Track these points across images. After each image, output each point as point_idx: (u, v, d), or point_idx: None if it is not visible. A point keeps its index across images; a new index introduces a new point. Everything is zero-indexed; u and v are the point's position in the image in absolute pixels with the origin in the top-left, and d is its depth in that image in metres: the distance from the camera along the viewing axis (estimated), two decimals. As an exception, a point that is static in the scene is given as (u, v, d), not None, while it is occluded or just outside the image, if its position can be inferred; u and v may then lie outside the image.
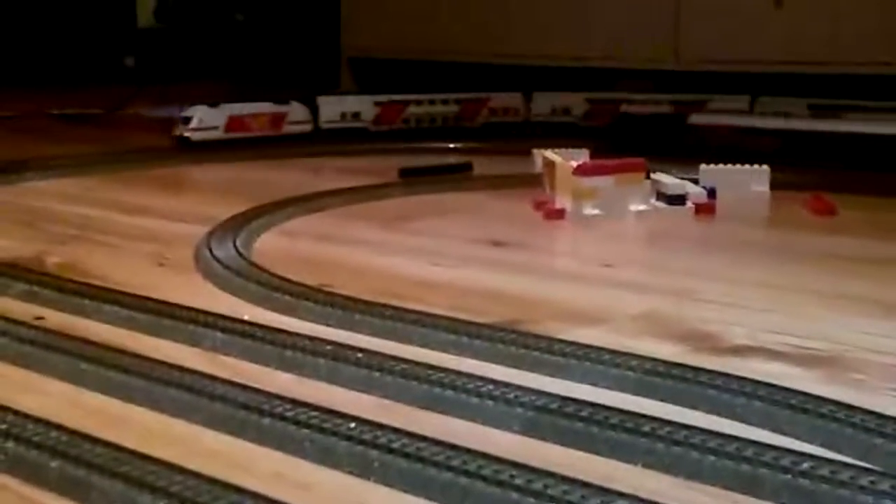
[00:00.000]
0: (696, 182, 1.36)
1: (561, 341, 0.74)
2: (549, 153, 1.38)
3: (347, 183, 1.46)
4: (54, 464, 0.54)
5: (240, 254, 1.01)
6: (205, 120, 1.79)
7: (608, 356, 0.70)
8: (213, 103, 1.82)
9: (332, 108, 1.92)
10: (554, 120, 2.04)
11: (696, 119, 1.81)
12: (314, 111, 1.90)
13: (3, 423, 0.58)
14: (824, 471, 0.52)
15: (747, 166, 1.41)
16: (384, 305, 0.83)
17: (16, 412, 0.60)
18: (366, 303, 0.84)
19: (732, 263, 1.08)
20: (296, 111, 1.89)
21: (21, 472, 0.55)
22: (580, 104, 2.04)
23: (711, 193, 1.33)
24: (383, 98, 1.97)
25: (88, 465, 0.53)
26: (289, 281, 0.91)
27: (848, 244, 1.16)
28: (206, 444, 0.60)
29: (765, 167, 1.41)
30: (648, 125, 1.87)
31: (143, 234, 1.19)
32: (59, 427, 0.58)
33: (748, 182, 1.40)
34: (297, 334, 0.75)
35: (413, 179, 1.53)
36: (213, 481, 0.51)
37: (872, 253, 1.12)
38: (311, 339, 0.74)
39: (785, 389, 0.63)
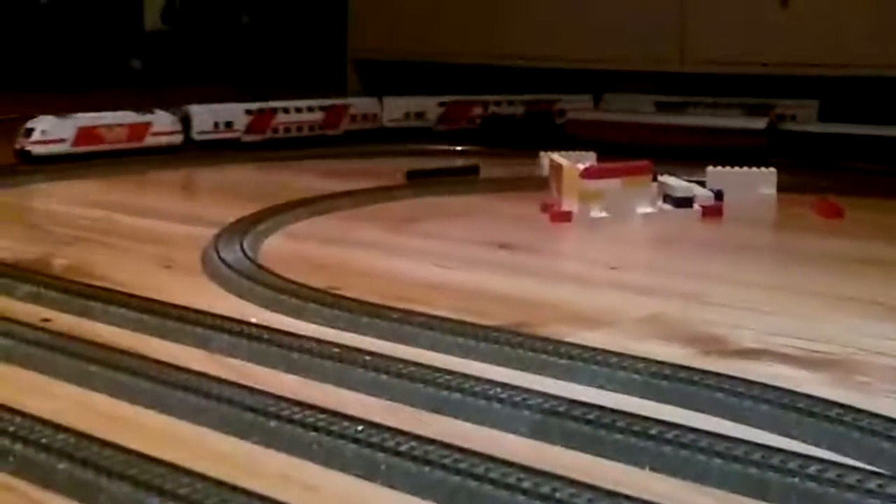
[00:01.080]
0: (703, 184, 1.36)
1: (568, 344, 0.74)
2: (555, 156, 1.38)
3: (354, 185, 1.46)
4: (62, 466, 0.54)
5: (247, 256, 1.01)
6: (49, 132, 1.66)
7: (615, 359, 0.70)
8: (61, 113, 1.71)
9: (205, 118, 1.81)
10: (408, 125, 2.01)
11: (572, 115, 1.89)
12: (185, 121, 1.79)
13: (10, 425, 0.58)
14: (831, 474, 0.52)
15: (754, 169, 1.41)
16: (391, 308, 0.83)
17: (23, 414, 0.60)
18: (373, 305, 0.84)
19: (739, 266, 1.08)
20: (160, 121, 1.76)
21: (29, 474, 0.55)
22: (434, 108, 2.02)
23: (718, 196, 1.33)
24: (254, 106, 1.88)
25: (96, 468, 0.53)
26: (296, 283, 0.91)
27: (855, 247, 1.16)
28: (213, 446, 0.60)
29: (772, 170, 1.41)
30: (518, 124, 1.93)
31: (149, 236, 1.19)
32: (66, 429, 0.58)
33: (755, 185, 1.40)
34: (304, 337, 0.75)
35: (420, 182, 1.53)
36: (220, 483, 0.51)
37: (879, 255, 1.12)
38: (318, 341, 0.74)
39: (792, 392, 0.63)
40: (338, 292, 0.89)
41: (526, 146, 1.65)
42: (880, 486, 0.51)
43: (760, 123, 1.74)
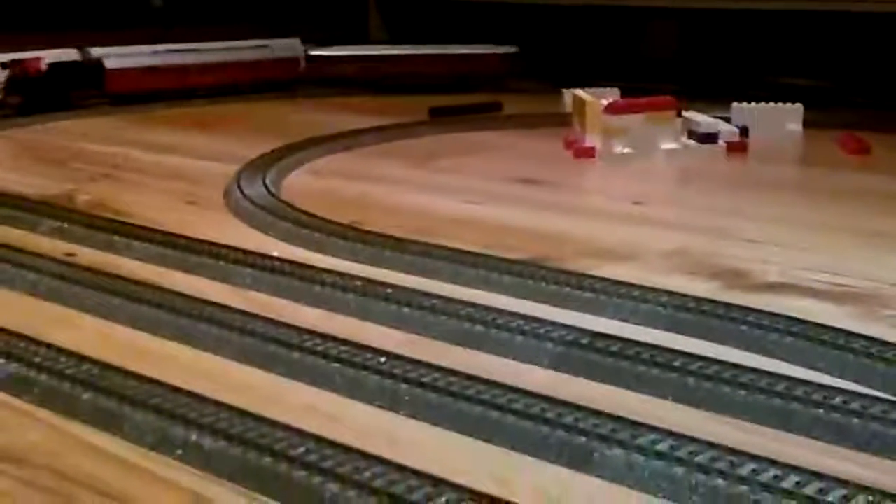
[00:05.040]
0: (728, 120, 1.34)
1: (591, 277, 0.73)
2: (579, 91, 1.37)
3: (378, 121, 1.45)
4: (86, 396, 0.54)
5: (269, 192, 1.01)
6: None
7: (638, 292, 0.70)
8: None
9: None
10: None
11: (110, 64, 1.71)
12: None
13: (35, 356, 0.59)
14: (855, 405, 0.52)
15: (780, 104, 1.39)
16: (414, 242, 0.83)
17: (48, 346, 0.60)
18: (396, 239, 0.84)
19: (764, 201, 1.07)
20: None
21: (54, 404, 0.55)
22: None
23: (744, 132, 1.32)
24: None
25: (120, 398, 0.53)
26: (318, 218, 0.90)
27: (881, 182, 1.15)
28: (236, 377, 0.60)
29: (798, 105, 1.40)
30: (43, 81, 1.64)
31: (172, 172, 1.19)
32: (90, 360, 0.58)
33: (781, 120, 1.39)
34: (327, 270, 0.75)
35: (443, 118, 1.53)
36: (244, 413, 0.51)
37: (906, 191, 1.11)
38: (341, 275, 0.74)
39: (817, 325, 0.63)
40: (360, 227, 0.89)
41: (59, 107, 1.57)
42: (905, 416, 0.51)
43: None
